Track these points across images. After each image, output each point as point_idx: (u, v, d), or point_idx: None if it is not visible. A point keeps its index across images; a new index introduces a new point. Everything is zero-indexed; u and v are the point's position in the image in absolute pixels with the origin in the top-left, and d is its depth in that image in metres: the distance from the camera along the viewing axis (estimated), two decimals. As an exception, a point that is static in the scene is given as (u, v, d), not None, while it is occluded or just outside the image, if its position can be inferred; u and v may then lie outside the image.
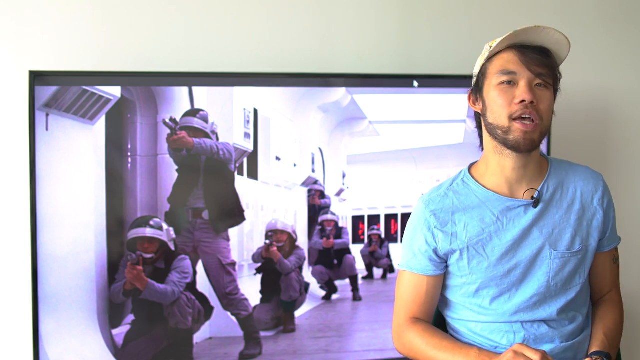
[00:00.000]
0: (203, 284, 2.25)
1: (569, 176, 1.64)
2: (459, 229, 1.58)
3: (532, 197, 1.58)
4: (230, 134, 2.25)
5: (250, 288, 2.31)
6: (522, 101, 1.49)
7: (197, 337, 2.25)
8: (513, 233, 1.57)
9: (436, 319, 1.73)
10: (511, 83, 1.51)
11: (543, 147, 2.42)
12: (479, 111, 1.60)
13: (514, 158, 1.56)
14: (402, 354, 1.66)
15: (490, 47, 1.56)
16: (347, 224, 2.43)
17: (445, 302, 1.69)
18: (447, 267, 1.62)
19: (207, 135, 2.21)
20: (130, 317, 2.19)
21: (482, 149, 1.64)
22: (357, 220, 2.45)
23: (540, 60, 1.51)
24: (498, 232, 1.57)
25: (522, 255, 1.57)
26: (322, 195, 2.40)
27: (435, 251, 1.60)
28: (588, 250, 1.61)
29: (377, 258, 2.47)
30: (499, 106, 1.51)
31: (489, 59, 1.56)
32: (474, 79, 1.62)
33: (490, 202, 1.58)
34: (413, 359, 1.63)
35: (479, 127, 1.63)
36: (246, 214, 2.28)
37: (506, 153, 1.55)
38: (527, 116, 1.49)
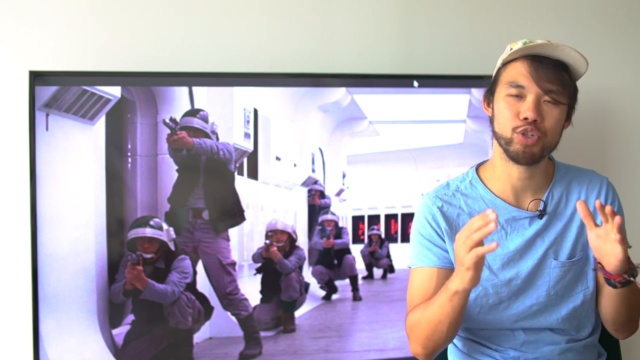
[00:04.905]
0: (203, 284, 2.25)
1: (573, 183, 1.62)
2: None
3: (539, 209, 1.57)
4: (230, 134, 2.25)
5: (250, 288, 2.31)
6: (526, 118, 1.46)
7: (197, 337, 2.24)
8: (516, 243, 1.56)
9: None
10: (519, 96, 1.48)
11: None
12: (490, 115, 1.57)
13: (520, 168, 1.53)
14: (417, 345, 1.52)
15: (511, 48, 1.51)
16: (347, 224, 2.43)
17: None
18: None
19: (207, 135, 2.21)
20: (130, 317, 2.19)
21: None
22: (357, 220, 2.44)
23: (552, 76, 1.46)
24: (501, 241, 1.55)
25: (524, 266, 1.56)
26: (322, 195, 2.39)
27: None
28: (589, 257, 1.59)
29: (377, 258, 2.47)
30: (504, 118, 1.49)
31: (504, 64, 1.53)
32: (491, 82, 1.58)
33: (497, 209, 1.55)
34: (425, 337, 1.50)
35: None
36: (246, 214, 2.28)
37: (511, 162, 1.53)
38: (529, 133, 1.47)
